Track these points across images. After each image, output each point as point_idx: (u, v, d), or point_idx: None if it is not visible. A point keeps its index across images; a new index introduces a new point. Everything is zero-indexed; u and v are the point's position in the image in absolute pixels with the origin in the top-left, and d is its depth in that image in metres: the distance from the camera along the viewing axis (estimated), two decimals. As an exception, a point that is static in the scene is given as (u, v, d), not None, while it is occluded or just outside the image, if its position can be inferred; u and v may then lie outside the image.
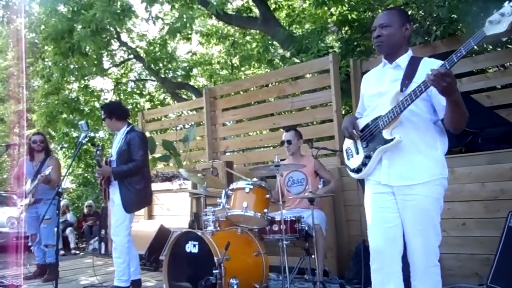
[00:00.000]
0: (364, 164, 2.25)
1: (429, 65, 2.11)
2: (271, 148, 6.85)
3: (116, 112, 4.19)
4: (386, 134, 2.14)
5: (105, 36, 7.75)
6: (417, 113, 2.14)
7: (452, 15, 4.61)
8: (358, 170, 2.30)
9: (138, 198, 4.00)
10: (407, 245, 2.16)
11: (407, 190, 2.12)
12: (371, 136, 2.23)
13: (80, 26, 6.69)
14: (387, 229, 2.19)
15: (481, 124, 3.95)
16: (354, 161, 2.35)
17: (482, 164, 3.69)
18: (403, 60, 2.24)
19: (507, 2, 1.82)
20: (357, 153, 2.32)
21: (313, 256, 3.64)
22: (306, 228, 3.57)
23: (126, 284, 3.93)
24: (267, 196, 3.49)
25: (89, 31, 6.52)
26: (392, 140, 2.11)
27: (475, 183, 3.69)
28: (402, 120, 2.13)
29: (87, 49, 7.87)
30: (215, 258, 3.05)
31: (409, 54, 2.26)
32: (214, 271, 2.99)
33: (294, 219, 3.55)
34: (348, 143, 2.43)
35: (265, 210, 3.41)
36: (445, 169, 2.18)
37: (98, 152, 3.93)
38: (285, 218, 3.45)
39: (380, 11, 5.95)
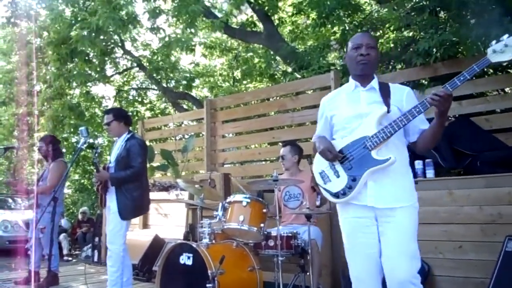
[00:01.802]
0: (350, 187, 2.14)
1: (399, 91, 2.24)
2: (269, 162, 6.84)
3: (126, 116, 4.22)
4: (375, 154, 2.10)
5: (105, 40, 7.78)
6: (398, 136, 2.15)
7: (454, 38, 4.66)
8: (342, 194, 2.17)
9: (135, 206, 3.96)
10: (386, 270, 2.08)
11: (389, 213, 2.09)
12: (355, 158, 2.15)
13: (80, 27, 6.68)
14: (369, 255, 2.13)
15: (480, 147, 3.97)
16: (334, 185, 2.21)
17: (480, 187, 3.68)
18: (376, 82, 2.27)
19: (506, 35, 1.91)
20: (338, 176, 2.20)
21: (308, 273, 3.60)
22: (302, 244, 3.55)
23: None
24: (264, 210, 3.48)
25: (87, 33, 6.52)
26: (386, 160, 2.07)
27: (473, 205, 3.67)
28: (388, 142, 2.12)
29: (90, 56, 7.93)
30: (209, 271, 3.03)
31: (376, 78, 2.31)
32: (207, 285, 2.96)
33: (290, 235, 3.53)
34: (322, 166, 2.29)
35: (262, 225, 3.40)
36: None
37: (96, 154, 3.94)
38: (281, 233, 3.43)
39: (381, 31, 6.03)
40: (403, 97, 2.21)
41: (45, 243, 4.87)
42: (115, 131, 4.17)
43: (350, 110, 2.25)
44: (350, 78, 2.36)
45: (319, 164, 2.31)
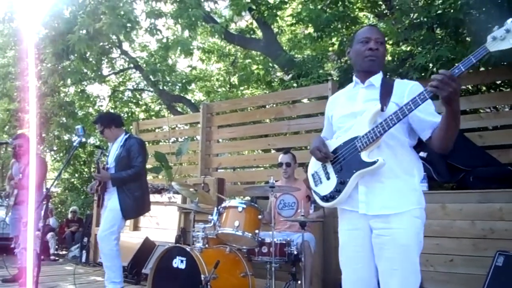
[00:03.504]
0: (338, 190, 1.99)
1: (402, 86, 2.03)
2: (263, 169, 6.86)
3: (114, 120, 4.23)
4: (365, 156, 1.93)
5: (104, 42, 7.75)
6: (394, 135, 1.95)
7: (450, 55, 4.74)
8: (330, 198, 2.03)
9: (137, 205, 4.03)
10: (381, 286, 1.93)
11: (384, 223, 1.91)
12: (345, 159, 2.00)
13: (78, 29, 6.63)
14: (361, 270, 2.00)
15: (473, 163, 4.03)
16: (324, 188, 2.07)
17: (473, 202, 3.73)
18: (376, 79, 2.08)
19: (510, 19, 1.69)
20: (328, 178, 2.06)
21: (299, 282, 3.61)
22: (295, 252, 3.55)
23: (120, 285, 3.93)
24: (259, 216, 3.48)
25: (86, 35, 6.49)
26: (374, 163, 1.89)
27: (466, 220, 3.71)
28: (380, 143, 1.94)
29: (87, 54, 7.89)
30: (202, 276, 3.02)
31: (380, 74, 2.12)
32: (200, 289, 2.95)
33: (284, 242, 3.53)
34: (315, 167, 2.16)
35: (256, 231, 3.40)
36: (423, 198, 1.97)
37: (100, 154, 3.95)
38: (275, 240, 3.43)
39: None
40: (405, 92, 1.98)
41: (23, 238, 4.82)
42: (110, 137, 4.23)
43: (346, 109, 2.12)
44: (354, 76, 2.20)
45: (313, 165, 2.19)
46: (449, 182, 4.12)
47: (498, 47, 1.70)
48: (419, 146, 3.99)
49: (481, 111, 5.25)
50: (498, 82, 5.46)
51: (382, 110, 1.95)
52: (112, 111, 10.75)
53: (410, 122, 1.98)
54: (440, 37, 5.33)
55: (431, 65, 4.79)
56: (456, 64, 1.77)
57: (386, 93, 2.01)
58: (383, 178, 1.93)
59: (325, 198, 2.06)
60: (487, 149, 4.34)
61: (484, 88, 5.73)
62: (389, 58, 5.65)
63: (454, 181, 4.09)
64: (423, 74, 4.82)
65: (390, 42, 5.69)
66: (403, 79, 2.16)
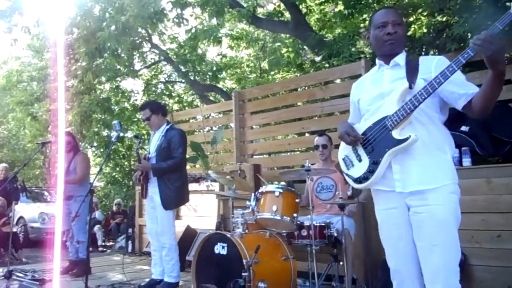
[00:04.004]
0: (371, 171, 2.01)
1: (428, 62, 2.02)
2: (299, 152, 6.82)
3: (161, 107, 4.31)
4: (396, 134, 1.93)
5: (134, 37, 7.86)
6: (425, 111, 1.95)
7: (489, 22, 4.49)
8: (363, 179, 2.05)
9: (177, 196, 4.09)
10: (422, 264, 1.95)
11: (421, 200, 1.92)
12: (376, 140, 2.00)
13: (106, 26, 6.75)
14: (402, 247, 2.02)
15: (520, 134, 3.83)
16: (357, 170, 2.10)
17: (520, 175, 3.56)
18: (401, 58, 2.09)
19: None
20: (360, 160, 2.08)
21: (341, 263, 3.59)
22: (335, 234, 3.53)
23: (176, 279, 4.04)
24: (297, 200, 3.47)
25: (115, 31, 6.58)
26: (406, 139, 1.89)
27: (513, 194, 3.56)
28: (412, 119, 1.94)
29: (118, 50, 8.06)
30: (244, 261, 3.06)
31: (404, 53, 2.13)
32: (243, 274, 2.99)
33: (323, 224, 3.52)
34: (345, 151, 2.20)
35: (295, 215, 3.40)
36: (456, 174, 1.98)
37: (140, 144, 4.04)
38: (314, 223, 3.42)
39: (414, 16, 5.86)
40: (432, 67, 1.96)
41: (76, 231, 5.03)
42: (155, 124, 4.24)
43: (373, 91, 2.13)
44: (377, 59, 2.21)
45: (343, 149, 2.22)
46: (494, 156, 3.94)
47: None
48: (461, 119, 3.81)
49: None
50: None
51: (410, 87, 1.96)
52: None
53: (441, 96, 1.98)
54: (478, 4, 5.05)
55: (469, 34, 4.56)
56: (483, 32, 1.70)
57: (412, 70, 2.00)
58: (416, 155, 1.93)
59: (359, 180, 2.08)
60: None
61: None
62: (424, 30, 5.43)
63: (499, 154, 3.90)
64: (462, 44, 4.60)
65: (425, 13, 5.45)
66: (438, 54, 2.16)
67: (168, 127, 4.17)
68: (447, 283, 1.88)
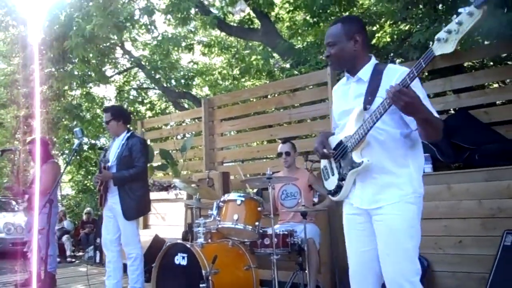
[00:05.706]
0: (339, 186, 2.09)
1: (392, 75, 1.94)
2: (267, 160, 6.81)
3: (124, 115, 4.20)
4: (355, 156, 1.99)
5: (101, 44, 7.72)
6: (384, 129, 1.96)
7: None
8: (334, 193, 2.14)
9: (139, 205, 3.99)
10: (382, 270, 1.99)
11: (378, 211, 1.98)
12: (342, 157, 2.07)
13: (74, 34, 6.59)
14: (362, 253, 2.07)
15: (479, 141, 3.90)
16: (330, 183, 2.17)
17: (479, 181, 3.61)
18: (365, 72, 2.04)
19: (454, 16, 1.60)
20: (333, 174, 2.15)
21: (306, 271, 3.57)
22: (299, 242, 3.50)
23: None
24: (259, 208, 3.44)
25: (82, 40, 6.45)
26: (360, 164, 1.95)
27: (473, 200, 3.60)
28: (369, 140, 1.96)
29: (88, 57, 7.90)
30: (203, 271, 3.00)
31: (372, 63, 2.07)
32: (201, 285, 2.93)
33: (286, 233, 3.49)
34: (324, 161, 2.24)
35: (257, 223, 3.36)
36: (420, 186, 1.99)
37: (104, 155, 3.94)
38: (277, 232, 3.39)
39: (377, 26, 5.95)
40: (394, 81, 1.87)
41: (42, 244, 4.86)
42: (113, 130, 4.16)
43: (340, 106, 2.17)
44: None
45: (323, 160, 2.26)
46: (454, 162, 4.01)
47: (442, 51, 1.64)
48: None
49: (487, 86, 5.09)
50: (504, 55, 5.27)
51: (364, 109, 1.96)
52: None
53: (401, 113, 1.95)
54: (441, 13, 5.16)
55: (431, 43, 4.64)
56: (410, 68, 1.73)
57: (372, 88, 2.00)
58: (375, 174, 1.99)
59: (332, 193, 2.17)
60: (493, 126, 4.20)
61: (491, 63, 5.56)
62: (388, 39, 5.52)
63: (459, 160, 3.97)
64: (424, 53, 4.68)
65: (389, 22, 5.54)
66: (395, 65, 2.15)
67: (128, 135, 4.07)
68: None
